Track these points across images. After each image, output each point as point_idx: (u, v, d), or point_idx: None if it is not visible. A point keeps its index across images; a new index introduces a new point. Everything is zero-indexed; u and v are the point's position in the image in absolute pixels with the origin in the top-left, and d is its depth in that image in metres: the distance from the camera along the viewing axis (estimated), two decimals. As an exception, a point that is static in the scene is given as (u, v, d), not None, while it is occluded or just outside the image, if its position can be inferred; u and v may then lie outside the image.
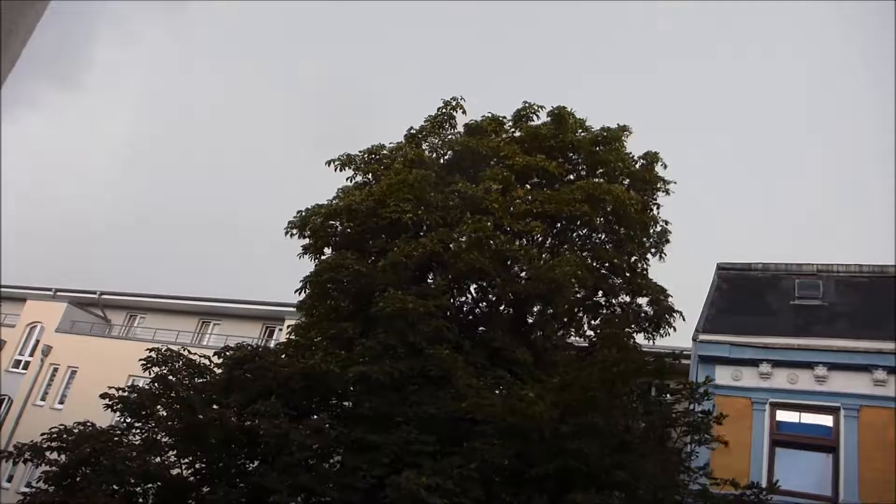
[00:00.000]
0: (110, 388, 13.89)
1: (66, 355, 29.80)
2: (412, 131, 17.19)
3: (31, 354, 31.07)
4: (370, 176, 16.50)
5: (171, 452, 13.20)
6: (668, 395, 14.11)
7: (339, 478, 11.67)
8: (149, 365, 13.76)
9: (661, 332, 16.27)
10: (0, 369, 31.05)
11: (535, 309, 15.59)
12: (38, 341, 31.21)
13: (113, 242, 65.86)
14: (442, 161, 17.29)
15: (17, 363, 31.38)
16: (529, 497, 11.03)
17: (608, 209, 15.93)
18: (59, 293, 32.98)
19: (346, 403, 13.59)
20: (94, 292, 32.74)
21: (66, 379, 29.55)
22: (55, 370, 30.03)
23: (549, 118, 17.19)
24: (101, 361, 27.17)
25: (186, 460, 13.28)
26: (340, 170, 16.41)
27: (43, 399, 29.54)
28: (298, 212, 15.78)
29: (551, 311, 15.08)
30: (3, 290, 35.85)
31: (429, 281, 14.38)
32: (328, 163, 16.37)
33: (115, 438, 13.25)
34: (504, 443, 11.28)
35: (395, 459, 11.39)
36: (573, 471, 10.97)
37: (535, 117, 17.49)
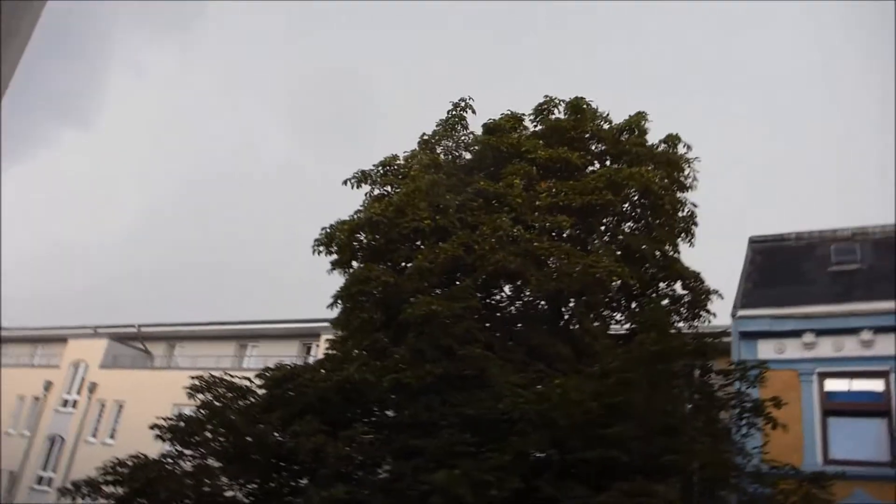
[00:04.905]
0: (158, 418, 14.20)
1: (111, 390, 30.31)
2: (425, 137, 17.20)
3: (78, 392, 31.65)
4: (388, 187, 16.52)
5: (223, 476, 13.41)
6: (711, 376, 13.96)
7: (389, 485, 11.77)
8: (194, 392, 14.07)
9: (701, 317, 16.00)
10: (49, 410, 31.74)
11: (571, 303, 15.46)
12: (83, 379, 31.79)
13: (146, 275, 66.89)
14: (459, 163, 17.27)
15: (64, 402, 31.99)
16: (572, 488, 10.97)
17: (633, 195, 15.80)
18: (99, 330, 33.55)
19: (387, 412, 13.67)
20: (133, 326, 33.22)
21: (114, 413, 30.04)
22: (103, 406, 30.56)
23: (567, 111, 17.13)
24: (145, 393, 27.61)
25: (239, 482, 13.47)
26: (357, 187, 16.44)
27: (94, 435, 30.07)
28: (323, 228, 15.86)
29: (586, 304, 14.95)
30: (44, 332, 36.77)
31: (456, 284, 14.34)
32: (344, 182, 16.39)
33: (168, 467, 13.50)
34: (539, 433, 11.25)
35: (439, 463, 11.42)
36: (614, 459, 10.89)
37: (556, 111, 17.41)
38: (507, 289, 15.77)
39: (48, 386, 32.39)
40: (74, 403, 31.50)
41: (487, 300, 15.57)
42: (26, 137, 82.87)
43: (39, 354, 37.78)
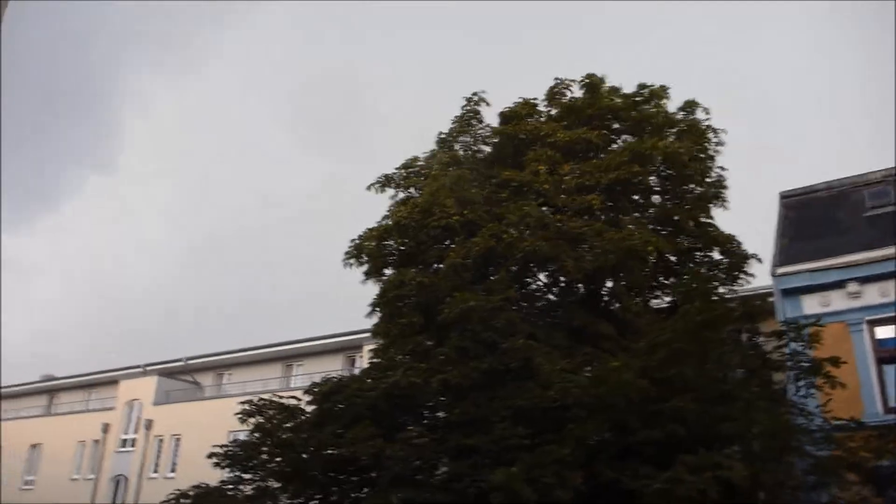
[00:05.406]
0: (214, 446, 14.41)
1: (167, 425, 30.80)
2: (442, 135, 17.19)
3: (136, 431, 32.22)
4: (412, 189, 16.56)
5: (283, 496, 13.57)
6: (759, 338, 13.74)
7: (447, 486, 11.78)
8: (245, 417, 14.24)
9: (740, 280, 15.71)
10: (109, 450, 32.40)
11: (609, 283, 15.30)
12: (139, 417, 32.37)
13: (187, 310, 67.88)
14: (480, 157, 17.23)
15: (123, 442, 32.60)
16: (635, 469, 10.85)
17: (659, 166, 15.60)
18: (147, 368, 34.12)
19: (438, 414, 13.68)
20: (181, 359, 33.74)
21: (172, 448, 30.51)
22: (160, 441, 31.07)
23: (581, 89, 16.98)
24: (200, 424, 27.99)
25: (300, 500, 13.61)
26: (381, 191, 16.53)
27: (155, 471, 30.58)
28: (352, 240, 15.94)
29: (624, 282, 14.80)
30: (96, 376, 37.56)
31: (491, 278, 14.28)
32: (368, 187, 16.50)
33: (229, 493, 13.69)
34: (597, 418, 11.15)
35: (495, 459, 11.39)
36: (675, 434, 10.75)
37: (568, 92, 17.27)
38: (542, 276, 15.69)
39: (106, 428, 33.05)
40: (133, 442, 32.08)
41: (524, 290, 15.51)
42: (55, 188, 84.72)
43: (94, 399, 38.61)
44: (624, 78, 18.47)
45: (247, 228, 79.94)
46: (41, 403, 41.58)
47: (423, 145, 17.27)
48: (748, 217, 16.44)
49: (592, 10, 79.58)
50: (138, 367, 34.61)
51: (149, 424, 31.37)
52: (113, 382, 35.22)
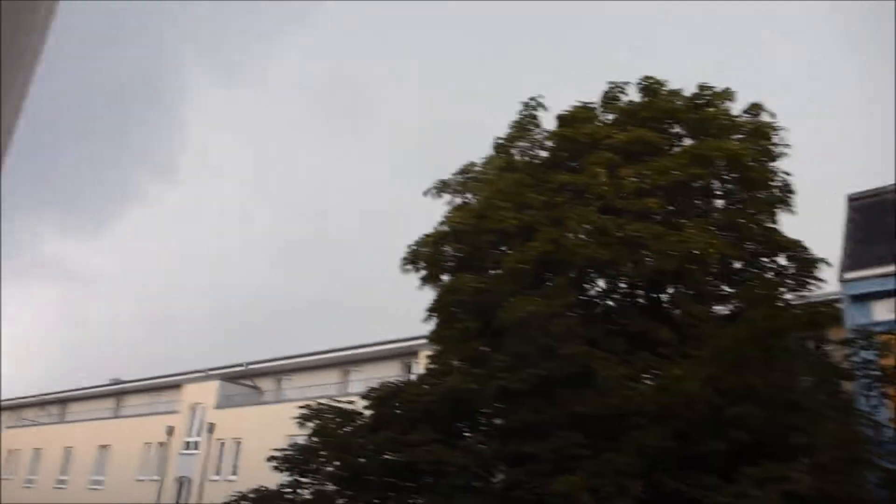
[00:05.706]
0: (274, 450, 14.65)
1: (228, 429, 31.41)
2: (499, 140, 17.15)
3: (199, 434, 32.98)
4: (468, 195, 16.57)
5: (339, 500, 13.70)
6: (828, 346, 13.27)
7: (505, 494, 11.71)
8: (303, 421, 14.45)
9: (808, 286, 15.15)
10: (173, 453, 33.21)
11: (669, 287, 14.98)
12: (202, 421, 33.12)
13: (245, 315, 69.23)
14: (537, 162, 17.11)
15: (187, 445, 33.39)
16: (698, 478, 10.58)
17: (721, 170, 15.21)
18: (210, 372, 34.91)
19: (496, 420, 13.62)
20: (242, 364, 34.43)
21: (233, 451, 31.09)
22: (222, 445, 31.71)
23: (639, 92, 16.74)
24: (260, 428, 28.46)
25: (357, 504, 13.74)
26: (438, 196, 16.59)
27: (217, 474, 31.19)
28: (409, 246, 16.03)
29: (684, 286, 14.47)
30: (160, 380, 38.60)
31: (548, 283, 14.14)
32: (425, 193, 16.58)
33: (288, 497, 13.89)
34: (659, 427, 10.92)
35: (555, 467, 11.27)
36: (739, 443, 10.46)
37: (623, 95, 17.05)
38: (601, 281, 15.45)
39: (170, 431, 33.93)
40: (196, 445, 32.82)
41: (582, 295, 15.30)
42: (120, 194, 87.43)
43: (159, 402, 39.73)
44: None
45: (308, 231, 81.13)
46: (109, 406, 42.98)
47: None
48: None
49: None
50: (201, 371, 35.46)
51: (211, 428, 32.05)
52: (177, 386, 36.17)
